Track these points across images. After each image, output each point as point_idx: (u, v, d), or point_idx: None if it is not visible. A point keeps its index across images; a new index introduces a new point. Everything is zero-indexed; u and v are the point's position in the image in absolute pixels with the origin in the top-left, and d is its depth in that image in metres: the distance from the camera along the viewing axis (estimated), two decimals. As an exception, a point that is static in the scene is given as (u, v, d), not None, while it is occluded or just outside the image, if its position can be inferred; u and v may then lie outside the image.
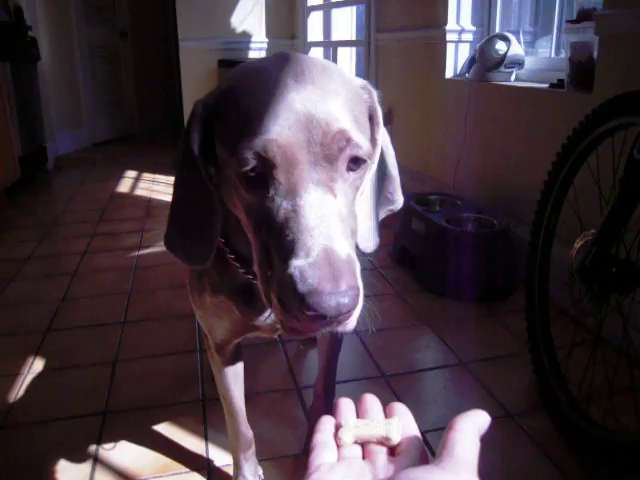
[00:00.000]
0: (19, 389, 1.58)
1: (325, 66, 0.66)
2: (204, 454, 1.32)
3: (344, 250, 0.55)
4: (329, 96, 0.61)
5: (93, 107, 5.37)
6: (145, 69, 6.09)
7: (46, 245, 2.80)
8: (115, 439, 1.37)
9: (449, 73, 2.77)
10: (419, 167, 3.09)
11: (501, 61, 2.39)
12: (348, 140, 0.59)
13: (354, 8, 3.95)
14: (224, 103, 0.65)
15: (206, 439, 1.36)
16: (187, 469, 1.27)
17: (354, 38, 4.17)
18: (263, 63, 0.68)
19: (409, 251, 2.41)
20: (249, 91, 0.63)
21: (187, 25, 4.19)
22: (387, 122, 3.40)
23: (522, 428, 1.40)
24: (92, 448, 1.34)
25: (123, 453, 1.32)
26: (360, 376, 1.65)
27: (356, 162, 0.62)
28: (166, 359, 1.73)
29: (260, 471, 1.21)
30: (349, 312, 0.54)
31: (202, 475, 1.25)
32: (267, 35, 4.42)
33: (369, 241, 0.76)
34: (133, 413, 1.48)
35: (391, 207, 0.81)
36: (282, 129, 0.58)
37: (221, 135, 0.64)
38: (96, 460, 1.30)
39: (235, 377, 1.07)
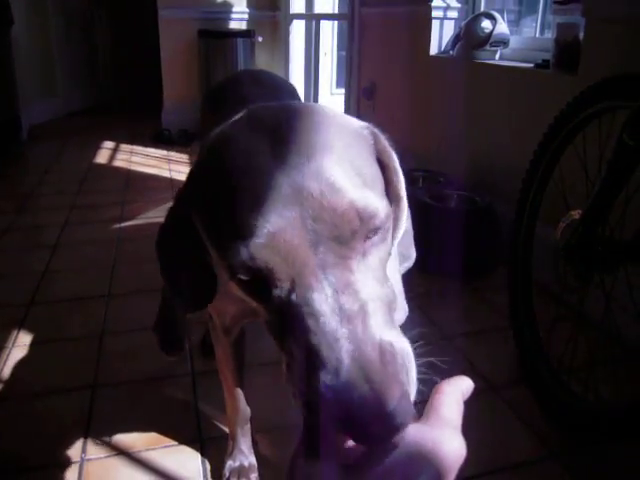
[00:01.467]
0: (4, 363, 1.56)
1: (311, 115, 0.53)
2: (195, 426, 1.34)
3: (381, 346, 0.45)
4: (325, 158, 0.49)
5: (68, 75, 5.21)
6: (122, 37, 5.92)
7: (24, 217, 2.75)
8: (105, 413, 1.38)
9: (434, 50, 2.77)
10: (402, 143, 3.08)
11: (486, 39, 2.40)
12: (361, 214, 0.48)
13: (338, -20, 3.90)
14: (202, 194, 0.54)
15: (197, 411, 1.38)
16: (178, 442, 1.28)
17: (337, 11, 4.13)
18: (234, 132, 0.54)
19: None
20: (224, 179, 0.51)
21: (166, -8, 4.09)
22: (369, 97, 3.40)
23: (504, 400, 1.46)
24: (82, 422, 1.34)
25: (114, 427, 1.33)
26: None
27: (373, 227, 0.50)
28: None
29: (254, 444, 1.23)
30: (409, 401, 0.44)
31: (194, 448, 1.27)
32: (248, 5, 4.34)
33: (399, 313, 0.61)
34: (123, 386, 1.48)
35: (406, 264, 0.68)
36: (270, 226, 0.47)
37: (204, 230, 0.54)
38: (87, 434, 1.31)
39: (237, 357, 1.08)
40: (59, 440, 1.29)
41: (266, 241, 0.46)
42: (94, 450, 1.26)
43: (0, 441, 1.29)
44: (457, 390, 0.49)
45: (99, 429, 1.32)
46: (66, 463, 1.22)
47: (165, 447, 1.27)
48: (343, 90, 3.81)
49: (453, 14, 2.72)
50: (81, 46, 5.48)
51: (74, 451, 1.25)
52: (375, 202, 0.48)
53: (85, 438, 1.29)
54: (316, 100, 4.16)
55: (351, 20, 3.43)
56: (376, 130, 0.57)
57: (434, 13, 2.70)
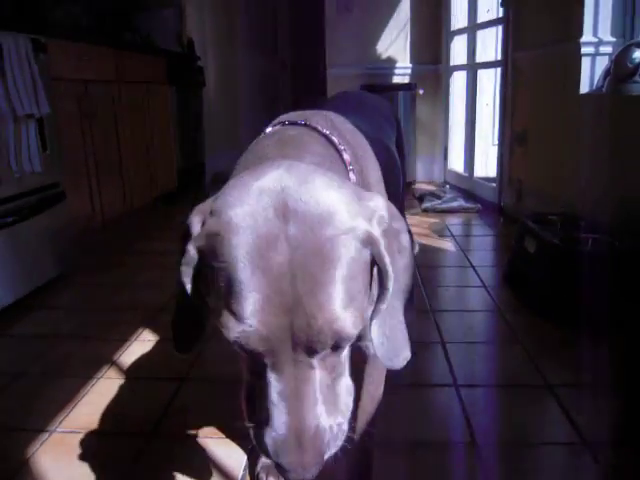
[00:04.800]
0: (124, 351, 1.81)
1: (330, 218, 0.59)
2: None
3: (317, 427, 0.60)
4: (323, 277, 0.57)
5: (249, 130, 5.88)
6: (301, 97, 6.52)
7: (185, 243, 3.14)
8: (186, 400, 1.53)
9: (584, 88, 2.61)
10: (550, 188, 2.92)
11: (635, 70, 2.21)
12: (335, 336, 0.58)
13: (499, 30, 3.88)
14: (210, 247, 0.61)
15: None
16: (231, 437, 1.36)
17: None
18: (254, 204, 0.59)
19: (519, 270, 2.29)
20: (230, 253, 0.57)
21: (334, 53, 4.46)
22: (521, 143, 3.28)
23: (596, 459, 1.28)
24: (164, 404, 1.50)
25: (188, 412, 1.46)
26: (429, 382, 1.62)
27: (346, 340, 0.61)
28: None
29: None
30: (320, 467, 0.61)
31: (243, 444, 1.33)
32: (411, 60, 4.52)
33: (397, 360, 0.71)
34: (207, 383, 1.63)
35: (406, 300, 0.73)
36: (262, 318, 0.56)
37: (204, 283, 0.64)
38: (165, 412, 1.45)
39: None
40: (140, 413, 1.46)
41: (259, 330, 0.56)
42: (166, 427, 1.40)
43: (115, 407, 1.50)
44: None
45: (177, 411, 1.47)
46: (137, 433, 1.38)
47: (219, 438, 1.36)
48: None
49: (606, 49, 2.55)
50: (264, 106, 6.15)
51: (148, 425, 1.41)
52: (350, 328, 0.58)
53: (162, 416, 1.44)
54: (473, 154, 4.09)
55: (505, 66, 3.38)
56: (376, 237, 0.62)
57: (584, 49, 2.55)
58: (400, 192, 1.36)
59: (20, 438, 1.38)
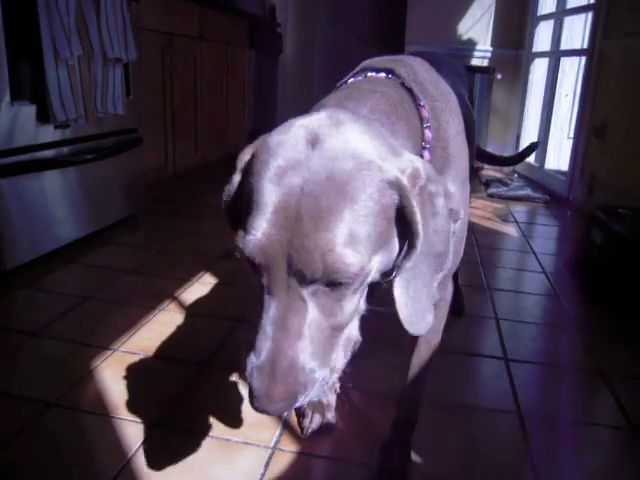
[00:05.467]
0: (186, 290, 1.90)
1: (354, 151, 0.61)
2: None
3: (293, 363, 0.60)
4: (330, 196, 0.58)
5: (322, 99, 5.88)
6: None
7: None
8: (238, 343, 1.59)
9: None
10: (625, 184, 2.82)
11: None
12: (327, 267, 0.58)
13: (588, 17, 3.72)
14: (245, 172, 0.70)
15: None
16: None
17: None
18: (295, 131, 0.64)
19: (583, 260, 2.24)
20: (261, 170, 0.63)
21: (415, 30, 4.40)
22: (599, 135, 3.16)
23: (643, 443, 1.26)
24: (221, 339, 1.57)
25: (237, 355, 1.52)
26: (479, 352, 1.63)
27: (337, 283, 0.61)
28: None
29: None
30: (289, 407, 0.62)
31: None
32: (492, 43, 4.40)
33: (418, 325, 0.70)
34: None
35: (439, 275, 0.72)
36: (264, 230, 0.59)
37: (238, 203, 0.71)
38: (222, 345, 1.52)
39: None
40: (197, 345, 1.53)
41: (259, 241, 0.59)
42: (221, 360, 1.47)
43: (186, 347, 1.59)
44: None
45: (232, 348, 1.53)
46: (193, 361, 1.45)
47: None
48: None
49: None
50: (338, 77, 6.13)
51: (204, 356, 1.48)
52: (344, 264, 0.58)
53: (217, 349, 1.51)
54: (546, 145, 3.97)
55: (590, 54, 3.26)
56: (404, 182, 0.63)
57: (680, 41, 2.43)
58: (472, 154, 1.36)
59: (85, 352, 1.48)
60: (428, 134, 0.84)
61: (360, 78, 0.91)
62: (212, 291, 1.91)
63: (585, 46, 3.73)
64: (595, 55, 3.22)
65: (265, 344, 0.61)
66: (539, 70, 4.20)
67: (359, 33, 6.06)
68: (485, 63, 4.42)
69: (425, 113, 0.85)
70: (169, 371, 1.42)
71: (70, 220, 2.21)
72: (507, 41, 4.40)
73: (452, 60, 1.49)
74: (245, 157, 0.72)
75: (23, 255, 1.97)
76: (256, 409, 0.61)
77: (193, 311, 1.76)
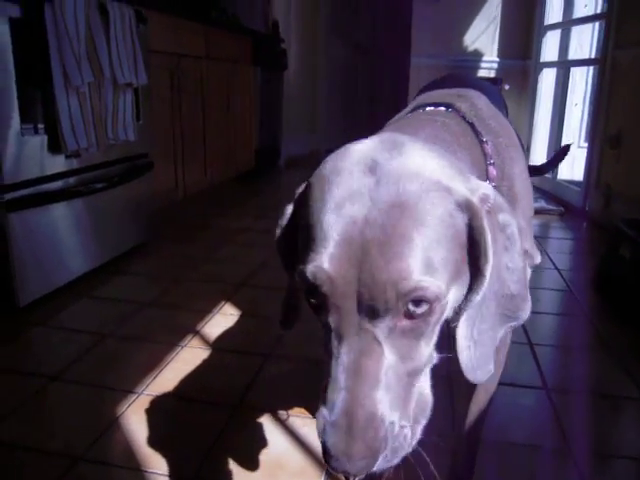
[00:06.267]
0: (207, 323, 1.83)
1: (419, 172, 0.56)
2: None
3: (371, 415, 0.53)
4: (399, 222, 0.53)
5: (328, 116, 5.85)
6: (378, 83, 6.44)
7: (261, 221, 3.17)
8: (269, 377, 1.52)
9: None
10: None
11: None
12: (399, 291, 0.52)
13: (596, 26, 3.69)
14: (304, 201, 0.62)
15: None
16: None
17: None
18: (352, 157, 0.59)
19: (612, 276, 2.18)
20: (321, 196, 0.57)
21: (420, 42, 4.36)
22: (615, 145, 3.11)
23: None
24: (249, 377, 1.50)
25: (272, 389, 1.46)
26: (520, 383, 1.56)
27: (417, 304, 0.54)
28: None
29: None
30: (370, 467, 0.53)
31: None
32: (498, 54, 4.37)
33: (480, 371, 0.63)
34: (291, 361, 1.62)
35: (512, 323, 0.66)
36: (327, 266, 0.53)
37: (299, 229, 0.63)
38: (250, 387, 1.45)
39: None
40: (225, 384, 1.46)
41: (327, 268, 0.53)
42: (252, 401, 1.40)
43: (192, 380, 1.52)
44: None
45: (262, 386, 1.46)
46: (223, 403, 1.38)
47: (306, 418, 1.34)
48: (589, 141, 3.55)
49: None
50: (342, 91, 6.11)
51: (234, 398, 1.41)
52: (426, 285, 0.52)
53: (247, 389, 1.44)
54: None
55: (602, 64, 3.21)
56: (475, 204, 0.57)
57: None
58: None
59: (109, 397, 1.41)
60: (493, 171, 0.79)
61: (418, 113, 0.85)
62: (235, 323, 1.85)
63: (594, 55, 3.70)
64: (607, 64, 3.18)
65: (338, 395, 0.54)
66: (547, 80, 4.17)
67: (363, 49, 6.05)
68: (492, 74, 4.39)
69: (489, 149, 0.79)
70: (199, 416, 1.36)
71: (82, 251, 2.15)
72: (514, 52, 4.37)
73: (490, 85, 1.44)
74: (299, 189, 0.66)
75: (36, 291, 1.91)
76: (335, 470, 0.53)
77: (217, 346, 1.69)
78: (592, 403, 1.49)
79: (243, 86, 3.83)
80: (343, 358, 0.54)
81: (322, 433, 0.54)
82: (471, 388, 0.96)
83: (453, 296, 0.58)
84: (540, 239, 3.04)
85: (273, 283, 2.19)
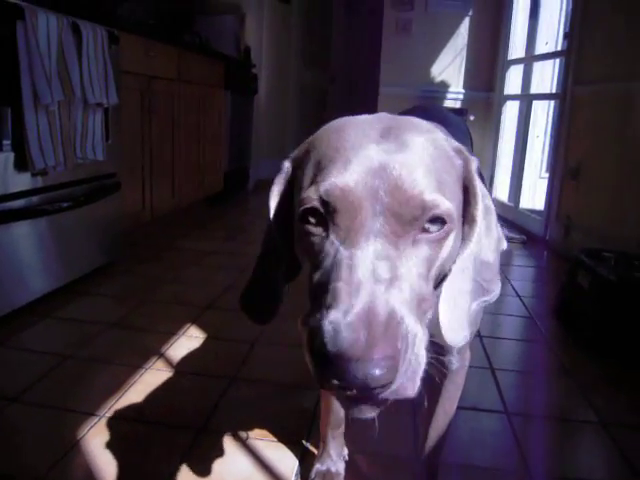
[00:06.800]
0: (171, 346, 1.81)
1: (418, 126, 0.63)
2: (305, 431, 1.38)
3: (392, 313, 0.50)
4: (411, 153, 0.57)
5: (296, 141, 5.89)
6: (348, 110, 6.56)
7: (228, 244, 3.17)
8: (234, 400, 1.51)
9: (648, 128, 2.57)
10: (601, 225, 2.87)
11: None
12: (423, 204, 0.55)
13: (557, 62, 3.85)
14: (306, 152, 0.65)
15: (313, 419, 1.43)
16: (283, 441, 1.34)
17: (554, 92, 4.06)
18: (357, 118, 0.66)
19: (571, 304, 2.24)
20: (331, 139, 0.61)
21: (389, 72, 4.47)
22: (574, 177, 3.23)
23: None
24: (214, 401, 1.49)
25: (237, 412, 1.45)
26: (481, 407, 1.59)
27: (434, 222, 0.56)
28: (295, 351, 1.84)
29: (345, 452, 1.23)
30: (381, 386, 0.48)
31: (296, 449, 1.31)
32: (464, 86, 4.51)
33: (456, 333, 0.64)
34: (256, 384, 1.61)
35: (485, 297, 0.68)
36: (349, 175, 0.55)
37: (298, 181, 0.64)
38: (214, 411, 1.44)
39: None
40: (189, 407, 1.45)
41: (342, 184, 0.55)
42: (216, 424, 1.39)
43: (158, 403, 1.50)
44: None
45: (227, 409, 1.45)
46: (187, 426, 1.37)
47: (270, 441, 1.34)
48: (550, 171, 3.67)
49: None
50: (311, 117, 6.20)
51: (198, 421, 1.39)
52: (442, 200, 0.56)
53: (212, 413, 1.43)
54: (520, 185, 4.06)
55: (562, 98, 3.35)
56: (468, 154, 0.65)
57: (651, 89, 2.52)
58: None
59: (71, 420, 1.38)
60: None
61: None
62: (200, 345, 1.83)
63: (555, 90, 3.85)
64: (567, 99, 3.31)
65: (355, 297, 0.49)
66: (511, 112, 4.31)
67: (332, 76, 6.17)
68: (458, 105, 4.52)
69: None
70: (163, 439, 1.34)
71: (45, 270, 2.11)
72: (479, 84, 4.51)
73: (455, 116, 1.49)
74: (296, 151, 0.70)
75: (-4, 310, 1.86)
76: (348, 381, 0.47)
77: (182, 369, 1.67)
78: (552, 427, 1.53)
79: (213, 109, 3.85)
80: (357, 262, 0.52)
81: (332, 338, 0.48)
82: (432, 409, 0.98)
83: (453, 242, 0.61)
84: (503, 267, 3.10)
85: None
